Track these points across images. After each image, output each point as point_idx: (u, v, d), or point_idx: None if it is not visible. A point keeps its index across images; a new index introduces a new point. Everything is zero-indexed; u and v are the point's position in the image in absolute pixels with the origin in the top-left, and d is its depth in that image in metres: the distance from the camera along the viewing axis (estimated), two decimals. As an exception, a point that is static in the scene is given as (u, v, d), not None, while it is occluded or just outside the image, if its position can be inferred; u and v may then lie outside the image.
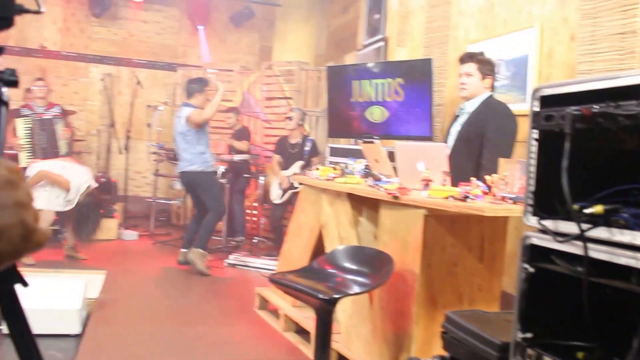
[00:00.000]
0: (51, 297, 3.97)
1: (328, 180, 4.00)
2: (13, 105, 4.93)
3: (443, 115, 5.29)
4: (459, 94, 3.98)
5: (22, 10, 0.92)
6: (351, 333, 3.50)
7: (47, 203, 5.85)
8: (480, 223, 3.05)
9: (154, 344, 3.88)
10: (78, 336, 3.88)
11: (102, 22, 9.58)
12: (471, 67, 3.80)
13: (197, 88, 6.26)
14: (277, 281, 2.95)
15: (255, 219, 8.27)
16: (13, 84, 1.04)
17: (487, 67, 3.79)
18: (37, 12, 0.98)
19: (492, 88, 3.86)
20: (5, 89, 1.00)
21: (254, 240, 7.51)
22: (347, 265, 3.05)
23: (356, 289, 2.81)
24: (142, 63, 9.69)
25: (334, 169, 4.15)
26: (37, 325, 3.68)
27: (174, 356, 3.69)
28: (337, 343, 3.54)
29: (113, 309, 4.54)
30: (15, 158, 7.01)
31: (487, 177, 3.00)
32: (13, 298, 1.28)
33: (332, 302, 2.65)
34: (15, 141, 6.79)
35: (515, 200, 2.70)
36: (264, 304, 4.70)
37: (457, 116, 3.97)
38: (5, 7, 0.87)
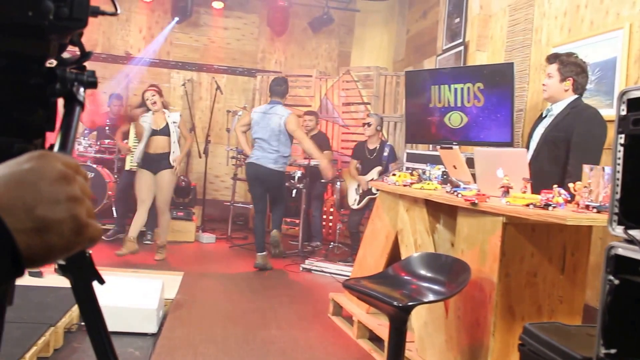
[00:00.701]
0: (130, 297, 4.10)
1: (405, 186, 3.95)
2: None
3: (524, 121, 5.14)
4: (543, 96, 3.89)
5: (98, 12, 0.94)
6: (425, 342, 3.44)
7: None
8: (562, 232, 2.94)
9: (227, 345, 3.93)
10: (155, 335, 3.99)
11: (184, 29, 9.87)
12: (553, 68, 3.70)
13: (286, 89, 6.62)
14: (351, 287, 2.93)
15: (332, 224, 8.29)
16: (92, 85, 1.06)
17: (568, 69, 3.66)
18: (114, 14, 0.99)
19: (577, 90, 3.71)
20: (82, 90, 1.03)
21: (330, 246, 7.53)
22: (423, 272, 2.99)
23: (431, 297, 2.75)
24: (222, 69, 9.91)
25: (411, 174, 4.10)
26: (117, 323, 3.83)
27: (246, 358, 3.72)
28: (411, 352, 3.49)
29: (189, 309, 4.64)
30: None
31: (570, 185, 2.88)
32: (90, 295, 1.31)
33: (407, 310, 2.61)
34: (126, 147, 7.10)
35: (599, 209, 2.59)
36: (338, 309, 4.69)
37: (542, 117, 3.86)
38: (80, 8, 0.89)
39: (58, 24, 0.87)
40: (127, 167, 7.35)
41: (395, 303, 2.59)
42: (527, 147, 3.83)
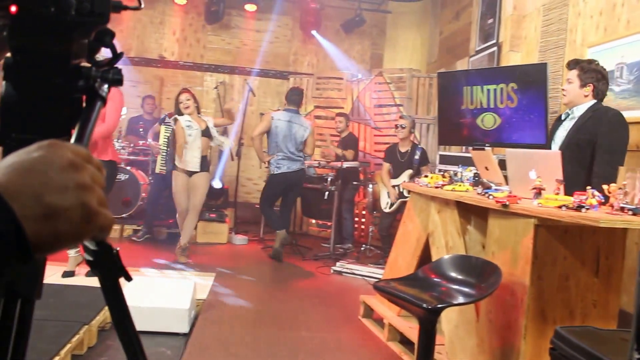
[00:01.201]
0: (163, 297, 4.15)
1: (436, 187, 3.93)
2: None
3: (559, 122, 5.07)
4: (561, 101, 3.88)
5: (120, 7, 0.95)
6: (456, 345, 3.40)
7: None
8: (596, 235, 2.88)
9: (257, 346, 3.94)
10: (186, 335, 4.02)
11: (217, 32, 9.95)
12: (573, 73, 3.72)
13: (302, 99, 7.16)
14: (381, 288, 2.92)
15: (364, 227, 8.27)
16: (118, 82, 1.07)
17: (588, 75, 3.65)
18: (137, 9, 1.00)
19: (597, 96, 3.69)
20: (105, 86, 1.04)
21: (362, 248, 7.51)
22: (453, 274, 2.97)
23: (461, 299, 2.72)
24: (255, 71, 9.96)
25: (443, 176, 4.07)
26: (150, 322, 3.87)
27: (275, 359, 3.73)
28: (441, 355, 3.46)
29: (220, 310, 4.66)
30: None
31: (604, 187, 2.83)
32: (117, 292, 1.33)
33: (436, 312, 2.59)
34: (157, 147, 7.17)
35: (635, 212, 2.53)
36: (369, 312, 4.67)
37: (561, 120, 3.84)
38: (101, 3, 0.90)
39: (79, 19, 0.89)
40: (157, 170, 7.42)
41: (424, 305, 2.57)
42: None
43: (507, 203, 2.95)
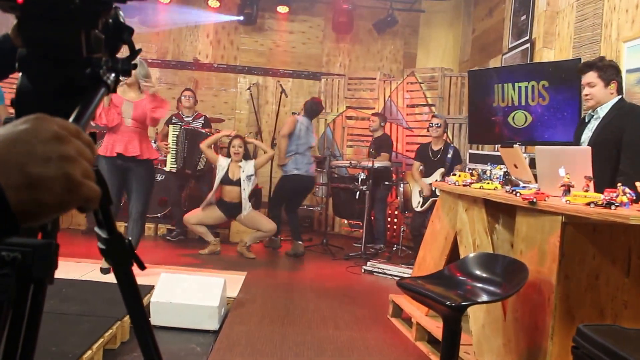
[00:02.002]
0: (193, 295, 4.20)
1: (465, 186, 3.88)
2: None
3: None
4: (585, 105, 3.83)
5: None
6: (483, 344, 3.35)
7: None
8: (627, 233, 2.80)
9: (285, 344, 3.94)
10: (216, 332, 4.05)
11: (250, 34, 10.00)
12: (592, 76, 3.68)
13: (319, 113, 7.61)
14: (405, 286, 2.89)
15: (396, 227, 8.22)
16: (127, 73, 1.09)
17: (609, 72, 3.62)
18: (144, -1, 1.01)
19: (619, 91, 3.68)
20: (113, 75, 1.05)
21: (393, 248, 7.47)
22: (478, 273, 2.92)
23: (485, 297, 2.68)
24: (288, 73, 9.98)
25: (471, 174, 4.01)
26: (180, 319, 3.96)
27: (302, 357, 3.72)
28: (469, 355, 3.41)
29: (249, 308, 4.68)
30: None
31: (637, 184, 2.75)
32: (129, 279, 1.37)
33: (459, 310, 2.55)
34: (165, 146, 7.26)
35: (668, 209, 2.46)
36: (398, 311, 4.63)
37: (586, 122, 3.81)
38: None
39: (85, 7, 0.90)
40: (167, 168, 7.49)
41: (448, 303, 2.53)
42: None
43: (535, 200, 2.89)
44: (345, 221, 8.75)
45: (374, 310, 4.88)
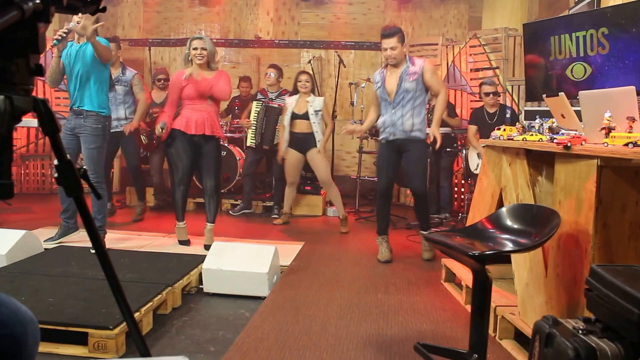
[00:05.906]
0: (244, 261, 4.26)
1: (509, 139, 3.68)
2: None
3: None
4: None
5: None
6: (527, 304, 3.17)
7: None
8: (673, 175, 2.56)
9: (330, 308, 3.88)
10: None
11: (310, 8, 9.91)
12: None
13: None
14: (431, 238, 2.77)
15: (463, 196, 7.98)
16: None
17: None
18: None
19: None
20: (31, 3, 1.03)
21: (458, 217, 7.27)
22: (510, 224, 2.76)
23: (509, 246, 2.52)
24: (350, 45, 9.84)
25: (517, 128, 3.80)
26: (233, 286, 4.06)
27: (345, 319, 3.65)
28: (513, 315, 3.25)
29: (300, 275, 4.66)
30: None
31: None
32: (82, 206, 1.48)
33: (482, 259, 2.40)
34: (247, 123, 7.42)
35: None
36: (451, 276, 4.49)
37: None
38: None
39: None
40: (248, 143, 7.58)
41: (470, 253, 2.40)
42: None
43: (569, 144, 2.69)
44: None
45: (428, 276, 4.75)
